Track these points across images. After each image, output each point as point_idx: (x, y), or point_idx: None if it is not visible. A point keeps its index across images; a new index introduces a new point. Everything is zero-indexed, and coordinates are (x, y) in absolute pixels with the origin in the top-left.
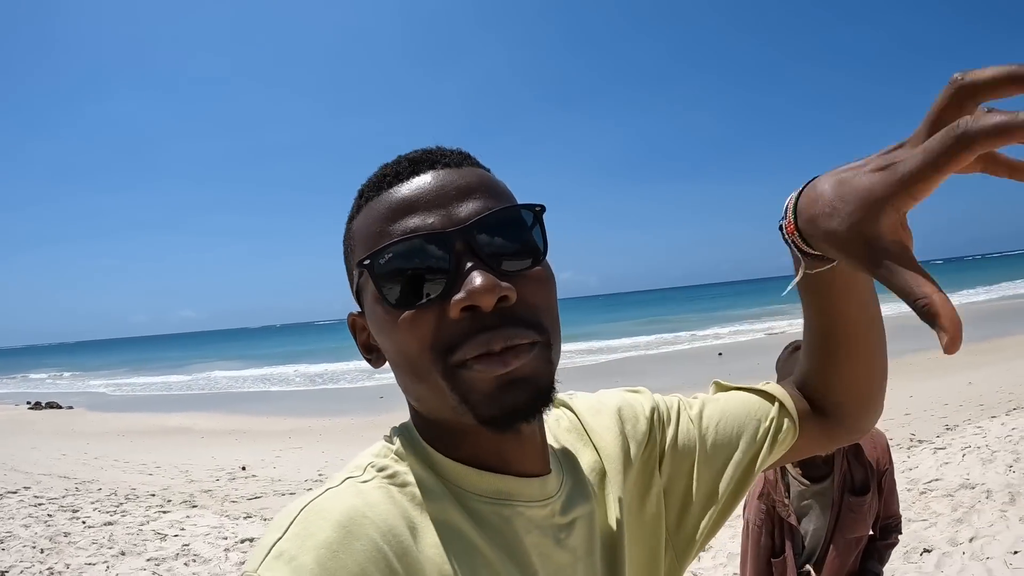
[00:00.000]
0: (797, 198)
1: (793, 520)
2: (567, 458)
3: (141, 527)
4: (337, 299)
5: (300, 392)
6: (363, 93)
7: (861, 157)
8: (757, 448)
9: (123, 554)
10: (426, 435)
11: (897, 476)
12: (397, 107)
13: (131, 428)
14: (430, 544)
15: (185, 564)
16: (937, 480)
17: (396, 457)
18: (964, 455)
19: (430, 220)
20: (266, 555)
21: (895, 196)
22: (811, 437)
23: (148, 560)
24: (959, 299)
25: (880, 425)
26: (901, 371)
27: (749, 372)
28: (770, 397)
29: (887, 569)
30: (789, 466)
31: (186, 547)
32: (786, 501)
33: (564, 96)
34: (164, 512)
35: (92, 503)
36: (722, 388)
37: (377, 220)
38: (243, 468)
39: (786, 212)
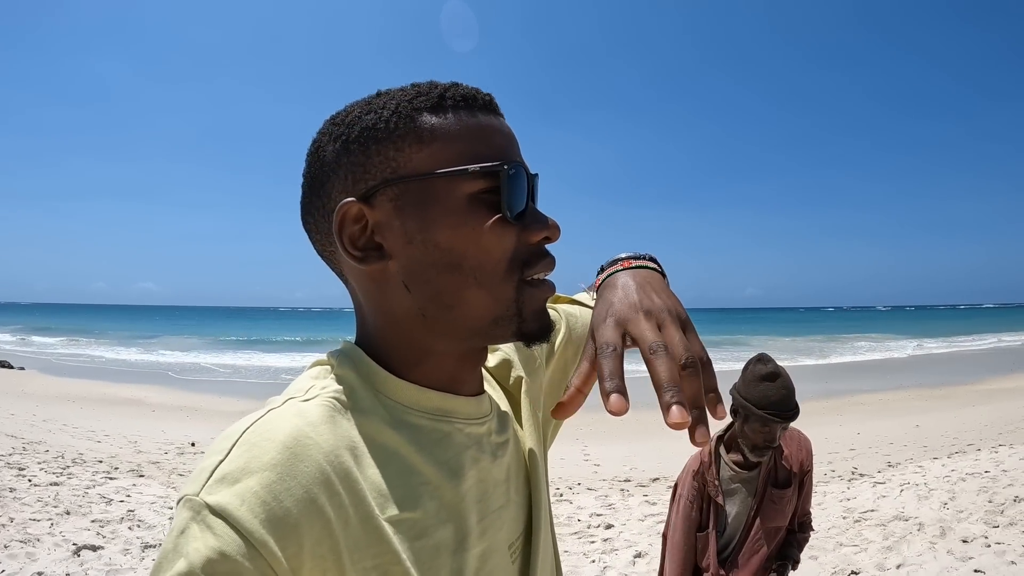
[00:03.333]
0: (615, 271)
1: (720, 500)
2: (488, 384)
3: (87, 490)
4: (300, 287)
5: (255, 375)
6: (344, 92)
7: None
8: None
9: (68, 513)
10: (378, 353)
11: (835, 505)
12: None
13: (82, 395)
14: (370, 465)
15: (130, 528)
16: (873, 511)
17: (337, 377)
18: (902, 490)
19: (519, 159)
20: (208, 478)
21: (592, 336)
22: None
23: (93, 521)
24: (916, 344)
25: (825, 458)
26: (851, 409)
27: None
28: None
29: None
30: (724, 453)
31: (131, 512)
32: (717, 482)
33: (542, 111)
34: (111, 478)
35: (39, 463)
36: (569, 301)
37: (480, 133)
38: (192, 444)
39: (608, 267)
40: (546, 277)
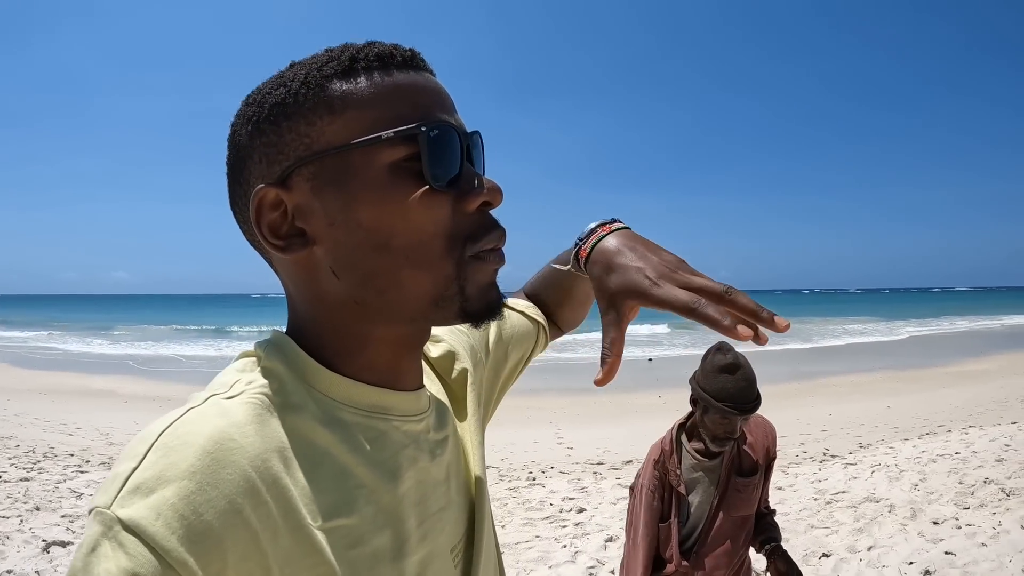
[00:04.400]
0: (600, 237)
1: (682, 490)
2: (427, 378)
3: (58, 484)
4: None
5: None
6: None
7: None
8: (525, 360)
9: (38, 509)
10: (310, 344)
11: (806, 486)
12: None
13: (54, 387)
14: (301, 469)
15: None
16: (844, 492)
17: (264, 370)
18: (873, 472)
19: (447, 117)
20: (120, 488)
21: (644, 301)
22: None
23: (63, 516)
24: (889, 327)
25: (796, 439)
26: (823, 391)
27: (679, 380)
28: (535, 322)
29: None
30: (685, 441)
31: None
32: (678, 472)
33: (504, 94)
34: (82, 472)
35: (9, 459)
36: None
37: (398, 93)
38: None
39: (587, 238)
40: (501, 246)
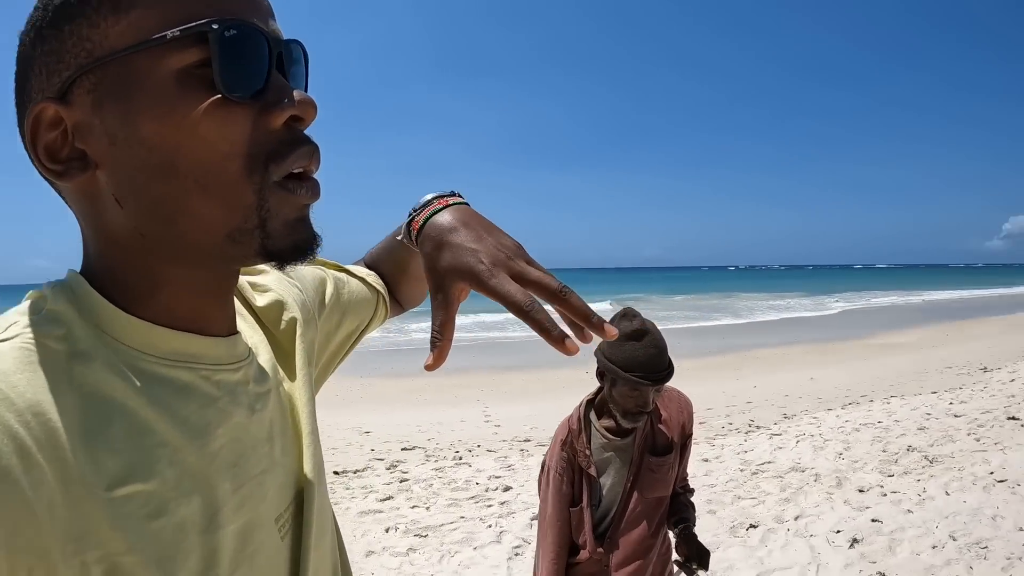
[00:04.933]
0: (436, 210)
1: (593, 471)
2: (246, 324)
3: None
4: None
5: None
6: None
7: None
8: (360, 331)
9: None
10: (103, 283)
11: (732, 457)
12: None
13: None
14: (85, 427)
15: None
16: (770, 462)
17: (50, 312)
18: (798, 441)
19: (252, 19)
20: None
21: (476, 287)
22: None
23: None
24: (813, 302)
25: (722, 411)
26: (748, 364)
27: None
28: (375, 291)
29: (712, 542)
30: (594, 419)
31: None
32: (588, 452)
33: (445, 66)
34: None
35: None
36: (336, 268)
37: None
38: None
39: (422, 210)
40: (314, 170)
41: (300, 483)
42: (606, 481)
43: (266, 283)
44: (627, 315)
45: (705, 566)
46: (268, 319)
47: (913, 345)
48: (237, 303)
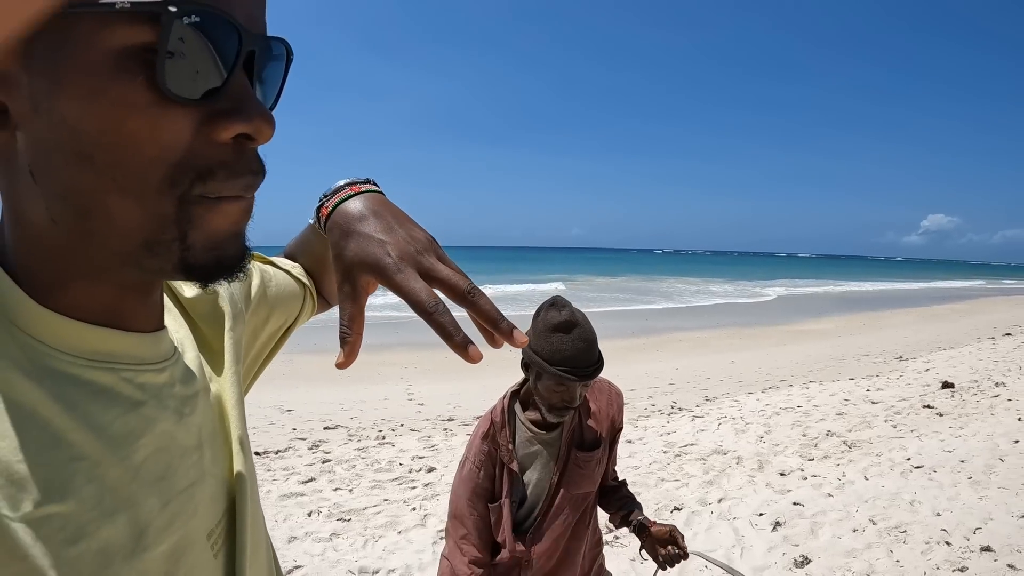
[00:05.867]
0: (346, 196)
1: (515, 467)
2: (172, 318)
3: None
4: None
5: None
6: None
7: None
8: (287, 328)
9: None
10: (13, 266)
11: (655, 439)
12: None
13: None
14: None
15: None
16: (692, 445)
17: None
18: (720, 424)
19: (231, 9)
20: None
21: (382, 281)
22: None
23: None
24: (736, 288)
25: (645, 392)
26: (670, 346)
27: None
28: (302, 284)
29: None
30: (519, 411)
31: None
32: (511, 447)
33: (375, 41)
34: None
35: None
36: (262, 259)
37: None
38: None
39: (332, 195)
40: (250, 195)
41: (232, 493)
42: (531, 476)
43: (191, 296)
44: (556, 304)
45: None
46: (196, 312)
47: (831, 332)
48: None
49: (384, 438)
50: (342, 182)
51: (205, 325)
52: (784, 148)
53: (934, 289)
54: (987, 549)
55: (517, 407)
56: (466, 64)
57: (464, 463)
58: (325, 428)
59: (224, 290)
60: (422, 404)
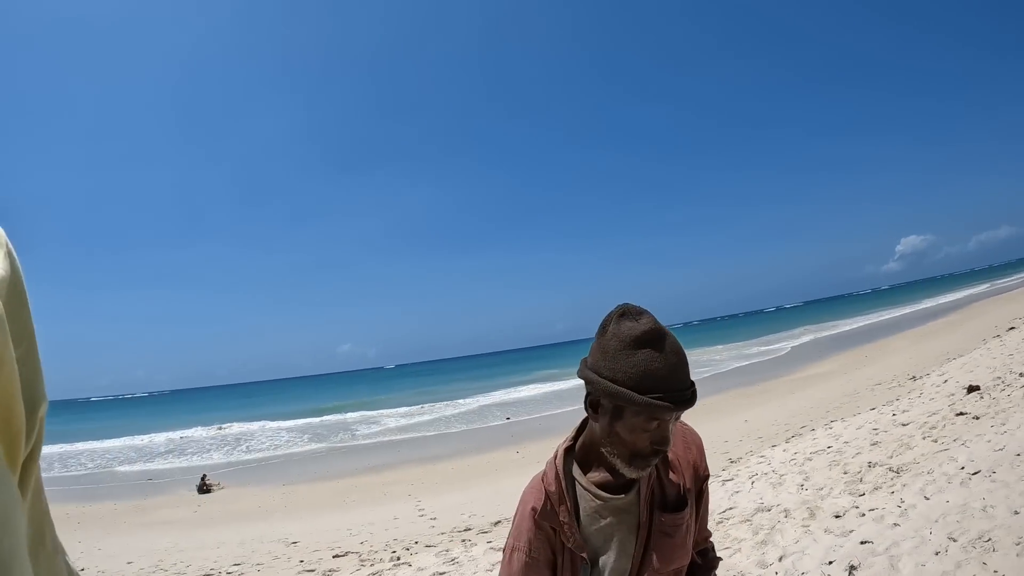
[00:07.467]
0: None
1: (585, 553)
2: None
3: None
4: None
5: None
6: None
7: None
8: None
9: None
10: None
11: None
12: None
13: None
14: None
15: None
16: (731, 508)
17: None
18: (753, 482)
19: None
20: None
21: None
22: None
23: None
24: (729, 350)
25: None
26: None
27: (534, 432)
28: None
29: None
30: (579, 474)
31: None
32: (575, 524)
33: (346, 162)
34: None
35: None
36: None
37: None
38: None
39: None
40: None
41: None
42: (607, 560)
43: None
44: (629, 312)
45: None
46: None
47: (837, 371)
48: None
49: (399, 559)
50: None
51: None
52: (751, 206)
53: (921, 309)
54: None
55: (575, 470)
56: (430, 171)
57: (511, 553)
58: (334, 556)
59: None
60: (435, 518)
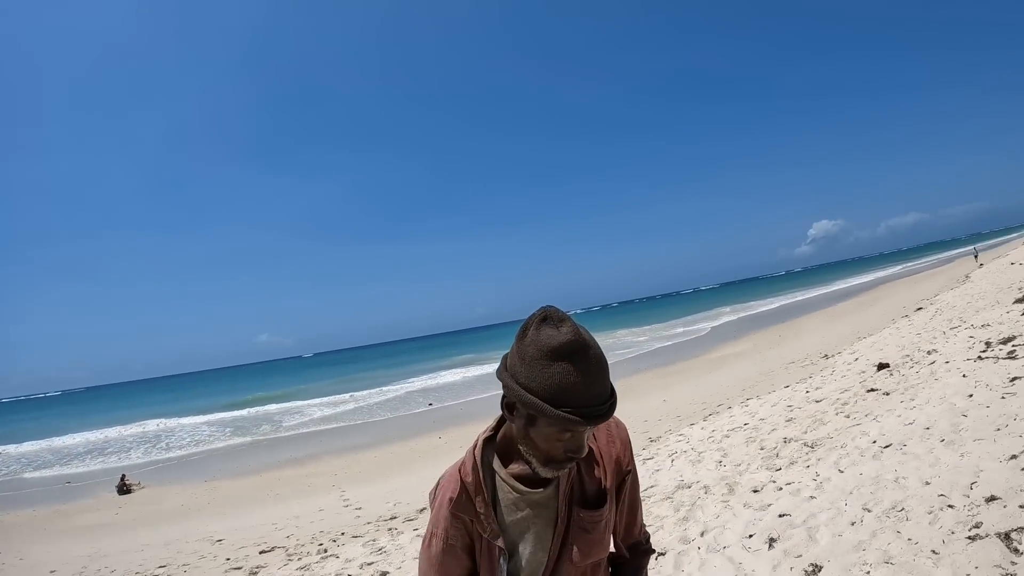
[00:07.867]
0: None
1: (501, 542)
2: None
3: None
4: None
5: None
6: None
7: None
8: None
9: None
10: None
11: None
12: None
13: None
14: None
15: None
16: (653, 487)
17: None
18: (673, 460)
19: None
20: None
21: None
22: None
23: None
24: (646, 332)
25: None
26: None
27: (456, 417)
28: None
29: None
30: (499, 466)
31: None
32: (492, 515)
33: (251, 152)
34: None
35: None
36: None
37: None
38: None
39: None
40: None
41: None
42: (523, 551)
43: None
44: (550, 318)
45: None
46: None
47: (752, 351)
48: None
49: (327, 551)
50: None
51: None
52: (665, 194)
53: (833, 291)
54: (992, 499)
55: (495, 461)
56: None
57: (429, 539)
58: (261, 552)
59: None
60: (360, 508)
